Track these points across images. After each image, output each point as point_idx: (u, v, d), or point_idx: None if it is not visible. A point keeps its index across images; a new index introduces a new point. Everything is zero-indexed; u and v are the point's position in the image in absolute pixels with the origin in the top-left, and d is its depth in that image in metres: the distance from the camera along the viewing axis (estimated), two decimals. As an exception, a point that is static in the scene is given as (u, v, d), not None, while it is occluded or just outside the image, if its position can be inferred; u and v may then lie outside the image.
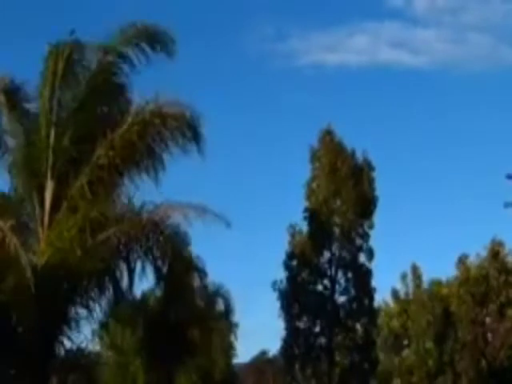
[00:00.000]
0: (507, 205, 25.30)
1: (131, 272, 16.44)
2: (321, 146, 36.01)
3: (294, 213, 36.71)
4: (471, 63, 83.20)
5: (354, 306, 35.99)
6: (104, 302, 16.02)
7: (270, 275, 35.91)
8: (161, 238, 16.75)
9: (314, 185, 35.75)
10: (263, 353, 48.66)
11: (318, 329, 35.45)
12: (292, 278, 35.14)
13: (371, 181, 36.51)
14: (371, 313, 36.76)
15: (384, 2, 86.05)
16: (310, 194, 35.66)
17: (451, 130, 74.61)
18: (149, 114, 15.89)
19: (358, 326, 36.35)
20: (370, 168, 36.59)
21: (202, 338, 24.57)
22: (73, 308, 15.54)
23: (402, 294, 46.81)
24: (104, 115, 16.35)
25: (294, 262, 35.34)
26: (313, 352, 35.14)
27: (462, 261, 42.65)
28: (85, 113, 16.03)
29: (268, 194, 70.50)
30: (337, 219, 35.69)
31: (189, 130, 16.09)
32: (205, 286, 23.15)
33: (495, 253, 40.44)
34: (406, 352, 46.02)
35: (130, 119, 15.83)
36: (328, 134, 36.09)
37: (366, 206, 36.14)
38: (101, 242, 15.18)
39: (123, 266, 16.33)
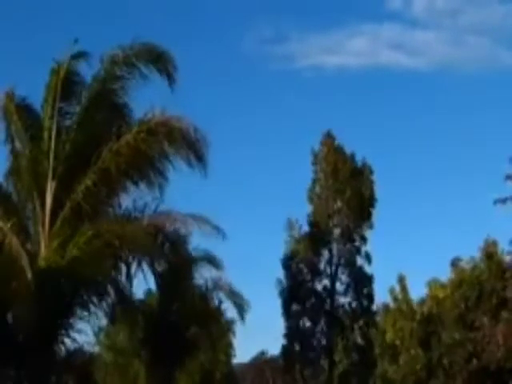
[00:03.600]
0: (496, 201, 25.32)
1: (131, 273, 16.23)
2: (322, 149, 35.99)
3: (295, 213, 36.52)
4: (469, 65, 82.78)
5: (354, 306, 35.79)
6: (105, 303, 15.76)
7: (271, 275, 35.68)
8: (161, 240, 16.63)
9: (316, 186, 35.76)
10: (262, 353, 48.45)
11: (317, 329, 35.26)
12: (292, 278, 34.98)
13: (370, 183, 36.43)
14: (370, 313, 36.59)
15: (383, 4, 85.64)
16: (312, 195, 35.62)
17: (449, 131, 74.32)
18: (154, 124, 15.71)
19: (357, 327, 36.09)
20: (370, 171, 36.50)
21: (202, 338, 24.25)
22: (73, 309, 15.25)
23: (392, 307, 46.55)
24: (106, 123, 16.15)
25: (294, 262, 35.18)
26: (312, 352, 34.94)
27: (455, 264, 42.36)
28: (88, 119, 15.89)
29: (269, 194, 70.08)
30: (337, 220, 35.58)
31: (192, 149, 15.90)
32: (205, 286, 22.96)
33: (489, 253, 40.10)
34: (400, 357, 45.76)
35: (136, 127, 15.67)
36: (329, 137, 36.07)
37: (365, 208, 36.05)
38: (103, 245, 14.89)
39: (123, 268, 16.11)
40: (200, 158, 15.66)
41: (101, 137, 15.48)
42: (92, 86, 16.08)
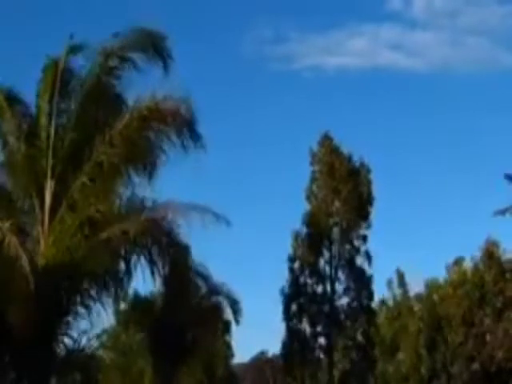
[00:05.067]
0: (496, 213, 25.71)
1: (131, 272, 15.97)
2: (320, 150, 36.11)
3: (296, 213, 36.55)
4: (468, 66, 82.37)
5: (353, 305, 35.73)
6: (105, 302, 15.51)
7: (271, 276, 35.71)
8: (161, 238, 16.35)
9: (314, 187, 35.86)
10: (262, 353, 48.21)
11: (317, 329, 35.19)
12: (293, 280, 34.96)
13: (368, 183, 36.41)
14: (370, 312, 36.53)
15: (382, 5, 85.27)
16: (310, 195, 35.70)
17: (449, 131, 74.07)
18: (146, 109, 15.44)
19: (358, 325, 36.04)
20: (367, 170, 36.52)
21: (204, 337, 23.96)
22: (74, 308, 15.01)
23: (390, 301, 46.65)
24: (104, 118, 15.88)
25: (296, 265, 35.17)
26: (312, 352, 34.88)
27: (457, 263, 42.50)
28: (85, 116, 15.60)
29: (270, 193, 69.68)
30: (335, 220, 35.57)
31: (185, 127, 15.63)
32: (206, 286, 22.69)
33: (490, 253, 40.11)
34: (400, 355, 45.82)
35: (127, 116, 15.40)
36: (326, 138, 36.20)
37: (363, 207, 36.02)
38: (102, 242, 14.67)
39: (124, 266, 15.86)
40: (194, 136, 15.36)
41: (99, 132, 15.26)
42: (87, 80, 15.73)
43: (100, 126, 15.47)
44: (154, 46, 16.03)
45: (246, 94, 79.44)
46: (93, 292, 15.11)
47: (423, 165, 73.09)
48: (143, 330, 21.77)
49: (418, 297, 45.89)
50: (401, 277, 45.91)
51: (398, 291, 46.59)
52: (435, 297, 44.34)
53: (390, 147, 72.76)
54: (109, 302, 15.59)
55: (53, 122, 15.36)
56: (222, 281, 23.96)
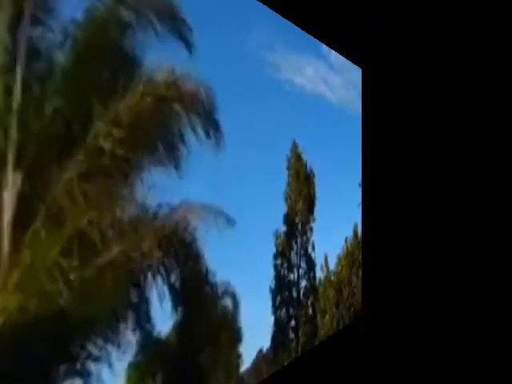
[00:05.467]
0: (359, 205, 21.06)
1: (147, 302, 7.46)
2: (291, 156, 29.74)
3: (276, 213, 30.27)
4: (355, 107, 77.66)
5: (307, 286, 29.29)
6: (112, 358, 6.78)
7: (264, 275, 28.73)
8: (179, 249, 8.02)
9: (289, 189, 29.49)
10: (260, 351, 40.47)
11: (290, 313, 28.32)
12: (276, 275, 28.12)
13: (313, 185, 30.45)
14: (314, 291, 30.31)
15: (319, 46, 79.41)
16: (287, 197, 29.34)
17: (345, 151, 68.26)
18: (164, 85, 7.07)
19: (309, 303, 29.77)
20: (313, 174, 30.45)
21: (219, 355, 15.19)
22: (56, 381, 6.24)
23: (322, 281, 43.56)
24: (109, 85, 7.15)
25: (278, 261, 28.36)
26: (288, 336, 27.92)
27: (346, 241, 40.94)
28: (79, 76, 6.78)
29: (267, 195, 60.66)
30: (300, 217, 29.21)
31: (205, 115, 7.52)
32: (216, 293, 14.13)
33: (355, 232, 38.93)
34: (326, 317, 42.57)
35: (140, 88, 6.86)
36: (294, 145, 29.80)
37: (311, 205, 29.95)
38: (102, 267, 6.12)
39: (136, 296, 7.32)
40: (213, 124, 7.33)
41: (101, 104, 6.57)
42: (86, 28, 6.83)
43: (102, 96, 6.77)
44: (169, 14, 7.60)
45: (246, 93, 69.38)
46: (93, 348, 6.39)
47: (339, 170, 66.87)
48: (159, 375, 12.52)
49: (335, 272, 42.14)
50: (326, 259, 41.76)
51: (325, 270, 42.81)
52: (339, 267, 41.61)
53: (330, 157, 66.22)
54: (119, 355, 6.93)
55: (18, 70, 6.33)
56: (225, 280, 15.38)
